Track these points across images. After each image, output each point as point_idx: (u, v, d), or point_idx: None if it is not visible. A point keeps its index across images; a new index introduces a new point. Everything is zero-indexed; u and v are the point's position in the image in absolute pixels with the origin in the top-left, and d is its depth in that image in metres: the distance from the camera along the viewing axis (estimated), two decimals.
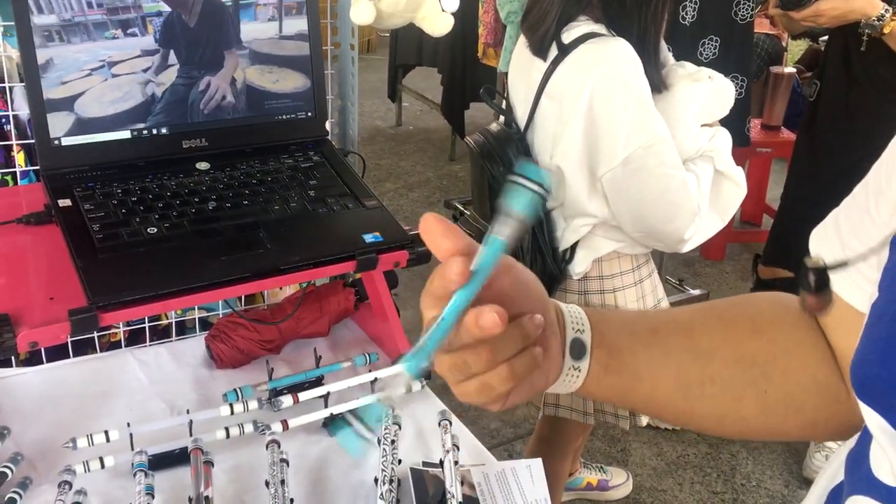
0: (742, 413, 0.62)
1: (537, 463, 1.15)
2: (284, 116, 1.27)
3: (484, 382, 0.52)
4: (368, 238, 1.12)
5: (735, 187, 1.59)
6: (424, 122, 6.05)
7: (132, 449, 1.07)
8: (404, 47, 5.44)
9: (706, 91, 1.55)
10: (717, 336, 0.62)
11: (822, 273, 0.51)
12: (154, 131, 1.16)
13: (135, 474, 1.01)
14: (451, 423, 1.16)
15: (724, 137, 1.60)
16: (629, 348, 0.61)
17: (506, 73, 3.72)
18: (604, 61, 1.46)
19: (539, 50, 1.55)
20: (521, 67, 1.64)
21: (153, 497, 0.99)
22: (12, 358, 1.42)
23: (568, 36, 1.51)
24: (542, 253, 1.61)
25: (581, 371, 0.60)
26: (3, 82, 1.47)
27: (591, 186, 1.53)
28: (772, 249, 2.86)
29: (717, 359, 0.61)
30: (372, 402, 0.52)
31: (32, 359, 1.45)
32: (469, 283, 0.49)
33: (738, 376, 0.61)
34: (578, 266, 1.63)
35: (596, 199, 1.53)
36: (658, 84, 1.50)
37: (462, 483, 1.07)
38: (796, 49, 6.03)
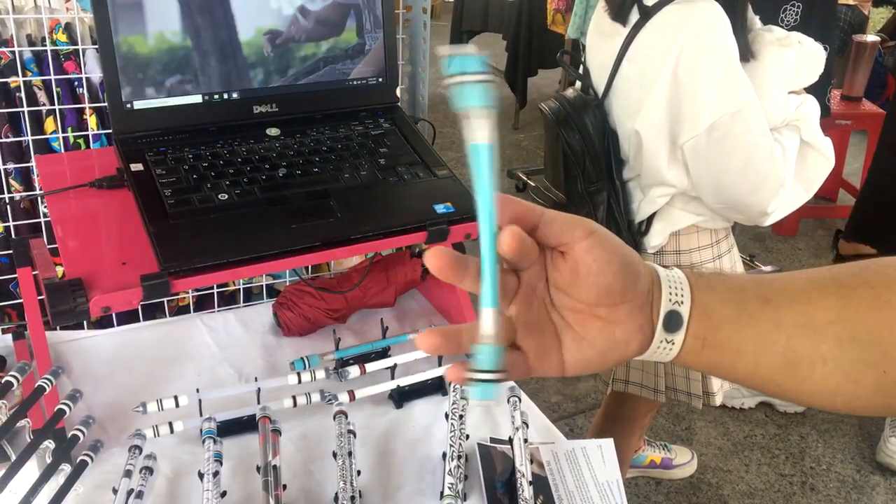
0: (856, 393, 0.56)
1: (609, 443, 1.12)
2: (355, 82, 1.24)
3: None
4: (440, 209, 1.09)
5: (822, 159, 1.51)
6: None
7: (201, 415, 1.08)
8: (470, 13, 5.37)
9: (795, 57, 1.47)
10: (834, 310, 0.56)
11: None
12: (225, 96, 1.15)
13: (204, 441, 1.01)
14: (520, 399, 1.14)
15: (812, 106, 1.52)
16: (734, 321, 0.57)
17: (573, 40, 3.64)
18: (692, 22, 1.39)
19: (618, 14, 1.49)
20: (600, 32, 1.58)
21: (221, 464, 0.99)
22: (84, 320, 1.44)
23: None
24: (618, 224, 1.56)
25: (675, 344, 0.56)
26: (77, 45, 1.48)
27: (671, 154, 1.47)
28: (855, 225, 2.74)
29: (832, 336, 0.55)
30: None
31: (103, 321, 1.47)
32: (483, 203, 0.48)
33: (855, 356, 0.55)
34: (654, 239, 1.57)
35: (675, 167, 1.47)
36: (745, 52, 1.43)
37: (531, 461, 1.05)
38: (878, 17, 5.77)
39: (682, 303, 0.56)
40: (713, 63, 1.39)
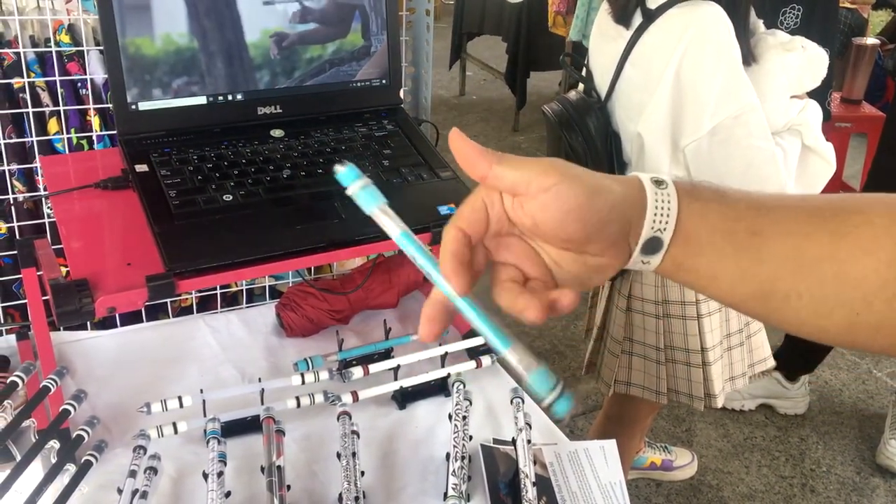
0: (825, 328, 0.56)
1: (611, 444, 1.12)
2: (358, 84, 1.24)
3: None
4: (444, 210, 1.10)
5: (823, 163, 1.52)
6: (488, 92, 5.98)
7: (205, 415, 1.08)
8: (469, 15, 5.38)
9: (798, 61, 1.48)
10: (826, 246, 0.54)
11: None
12: (230, 97, 1.15)
13: (208, 441, 1.02)
14: (523, 400, 1.14)
15: (814, 110, 1.53)
16: (716, 250, 0.55)
17: (574, 42, 3.65)
18: (695, 25, 1.40)
19: (622, 17, 1.50)
20: (603, 35, 1.59)
21: (225, 464, 0.99)
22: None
23: (654, 1, 1.45)
24: None
25: (650, 265, 0.55)
26: (81, 46, 1.48)
27: (673, 157, 1.47)
28: None
29: (818, 273, 0.54)
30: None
31: (106, 321, 1.47)
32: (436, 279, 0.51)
33: (833, 296, 0.54)
34: None
35: (677, 169, 1.48)
36: (747, 56, 1.43)
37: (534, 462, 1.05)
38: (877, 20, 5.78)
39: (664, 230, 0.54)
40: (716, 66, 1.39)
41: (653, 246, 0.54)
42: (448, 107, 5.67)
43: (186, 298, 1.66)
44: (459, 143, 0.52)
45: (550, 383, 0.50)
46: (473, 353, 1.26)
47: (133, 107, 1.10)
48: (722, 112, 1.39)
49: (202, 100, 1.13)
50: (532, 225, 0.52)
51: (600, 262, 0.54)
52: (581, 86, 1.67)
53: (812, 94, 1.61)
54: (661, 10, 1.44)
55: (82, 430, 1.04)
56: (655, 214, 0.54)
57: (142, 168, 1.06)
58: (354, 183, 0.52)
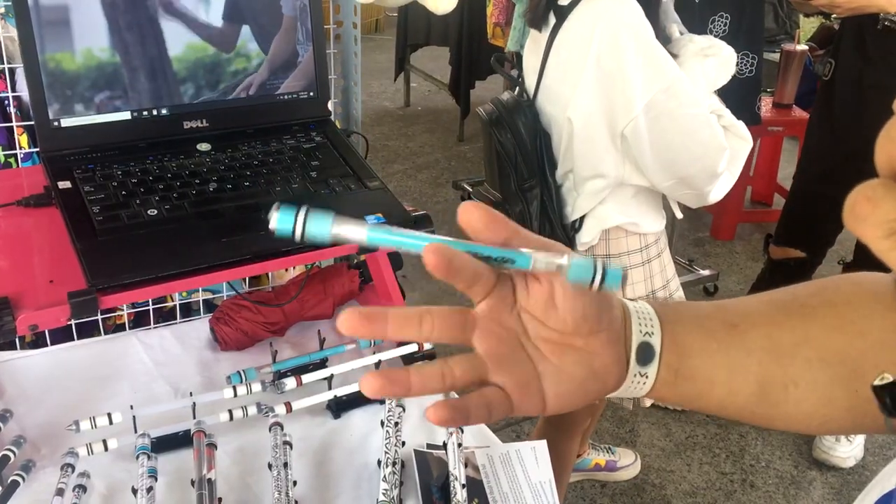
0: (831, 415, 0.56)
1: (542, 445, 1.14)
2: (286, 97, 1.25)
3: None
4: (371, 220, 1.11)
5: (740, 140, 1.58)
6: (433, 103, 6.01)
7: (135, 431, 1.07)
8: (413, 27, 5.41)
9: (714, 64, 1.55)
10: (798, 331, 0.56)
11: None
12: (154, 112, 1.15)
13: (137, 457, 1.01)
14: None
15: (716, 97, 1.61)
16: (703, 349, 0.56)
17: (514, 53, 3.72)
18: (605, 16, 1.47)
19: (535, 20, 1.57)
20: (532, 38, 1.67)
21: (156, 479, 0.99)
22: (16, 341, 1.42)
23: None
24: (551, 221, 1.61)
25: (648, 377, 0.55)
26: (4, 63, 1.46)
27: (609, 143, 1.53)
28: (784, 229, 2.83)
29: (800, 358, 0.55)
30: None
31: (37, 341, 1.45)
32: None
33: (825, 377, 0.55)
34: (585, 236, 1.63)
35: (611, 155, 1.53)
36: (660, 38, 1.51)
37: (466, 465, 1.06)
38: (808, 26, 5.95)
39: (652, 334, 0.55)
40: (634, 48, 1.46)
41: (646, 354, 0.55)
42: (393, 118, 5.68)
43: (120, 315, 1.64)
44: (482, 213, 0.49)
45: (590, 269, 0.48)
46: (408, 360, 1.27)
47: (55, 123, 1.09)
48: (651, 88, 1.45)
49: (126, 115, 1.13)
50: (547, 302, 0.51)
51: (604, 365, 0.53)
52: (518, 89, 1.72)
53: (741, 96, 1.69)
54: (571, 6, 1.50)
55: (8, 450, 1.02)
56: (640, 319, 0.55)
57: (64, 185, 1.06)
58: (295, 218, 0.48)
